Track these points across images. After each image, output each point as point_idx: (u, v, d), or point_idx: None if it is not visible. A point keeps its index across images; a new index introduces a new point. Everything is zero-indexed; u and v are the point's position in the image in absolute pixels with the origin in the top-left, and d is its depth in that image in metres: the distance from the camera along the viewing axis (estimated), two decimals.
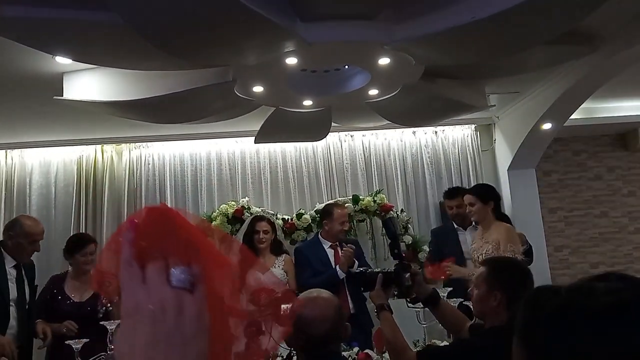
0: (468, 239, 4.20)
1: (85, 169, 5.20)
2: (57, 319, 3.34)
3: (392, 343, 2.20)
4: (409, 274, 2.28)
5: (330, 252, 4.12)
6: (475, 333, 2.18)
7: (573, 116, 4.98)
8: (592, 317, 0.68)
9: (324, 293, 1.91)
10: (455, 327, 2.43)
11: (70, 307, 3.41)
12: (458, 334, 2.40)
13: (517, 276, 2.06)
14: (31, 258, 3.74)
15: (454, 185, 5.37)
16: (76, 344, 2.69)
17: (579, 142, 6.28)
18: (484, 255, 3.94)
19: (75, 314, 3.36)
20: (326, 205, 4.61)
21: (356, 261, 4.00)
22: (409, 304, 2.53)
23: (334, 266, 4.02)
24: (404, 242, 2.46)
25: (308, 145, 5.46)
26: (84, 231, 4.88)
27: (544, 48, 3.24)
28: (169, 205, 0.65)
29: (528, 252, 4.05)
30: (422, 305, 2.47)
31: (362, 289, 2.68)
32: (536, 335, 0.70)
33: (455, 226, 4.37)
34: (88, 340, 2.73)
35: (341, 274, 3.95)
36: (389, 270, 2.33)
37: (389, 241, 2.54)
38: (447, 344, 2.90)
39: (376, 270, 2.38)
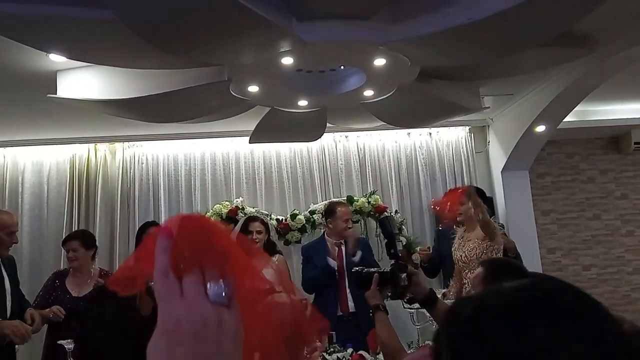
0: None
1: (79, 168, 5.16)
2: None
3: (387, 345, 2.17)
4: (405, 274, 2.24)
5: (334, 251, 4.15)
6: None
7: (566, 119, 5.01)
8: (494, 317, 0.63)
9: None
10: None
11: (68, 301, 3.47)
12: None
13: (511, 275, 2.04)
14: (11, 255, 3.71)
15: (448, 187, 5.40)
16: (68, 344, 2.67)
17: (572, 145, 6.31)
18: (465, 254, 3.98)
19: (73, 308, 3.43)
20: (329, 204, 4.67)
21: (359, 251, 4.05)
22: (406, 305, 2.50)
23: (336, 263, 4.07)
24: (401, 241, 2.41)
25: (302, 146, 5.45)
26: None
27: (539, 50, 3.25)
28: (197, 214, 0.63)
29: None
30: (418, 306, 2.43)
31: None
32: (456, 344, 0.66)
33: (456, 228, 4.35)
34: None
35: (333, 263, 4.03)
36: (384, 270, 2.29)
37: (385, 241, 2.50)
38: None
39: (372, 269, 2.33)
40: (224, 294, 0.54)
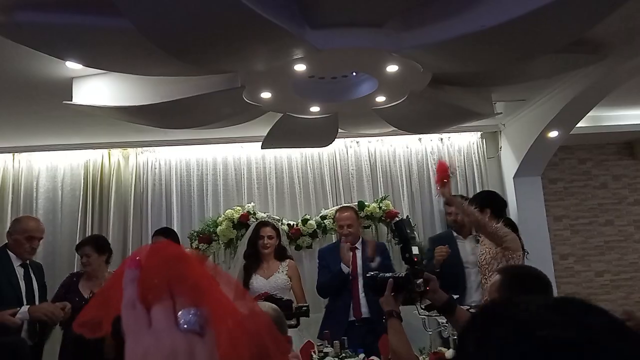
0: (467, 248, 4.19)
1: (92, 173, 5.22)
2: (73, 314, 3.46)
3: (397, 352, 2.11)
4: (421, 279, 2.16)
5: (348, 255, 4.13)
6: None
7: (579, 124, 4.98)
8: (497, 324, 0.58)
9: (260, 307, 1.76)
10: None
11: (78, 304, 3.53)
12: None
13: (531, 285, 1.90)
14: (39, 261, 3.82)
15: (459, 193, 5.38)
16: None
17: (585, 150, 6.27)
18: (480, 261, 3.97)
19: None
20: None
21: (378, 257, 4.05)
22: (422, 311, 2.44)
23: (349, 267, 4.06)
24: (417, 245, 2.27)
25: (314, 151, 5.47)
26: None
27: (552, 56, 3.25)
28: (171, 241, 0.61)
29: None
30: (437, 313, 2.34)
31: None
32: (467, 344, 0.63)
33: (455, 234, 4.35)
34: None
35: (345, 269, 4.01)
36: (399, 276, 2.22)
37: (400, 245, 2.42)
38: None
39: (387, 275, 2.26)
40: (196, 322, 0.51)
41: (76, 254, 4.04)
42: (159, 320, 0.51)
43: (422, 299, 2.21)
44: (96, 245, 3.81)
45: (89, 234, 4.86)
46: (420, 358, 2.98)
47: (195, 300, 0.52)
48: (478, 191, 5.26)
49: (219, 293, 0.55)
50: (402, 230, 2.44)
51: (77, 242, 4.14)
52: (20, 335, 1.62)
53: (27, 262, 3.63)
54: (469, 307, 3.17)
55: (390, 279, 2.19)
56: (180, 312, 0.52)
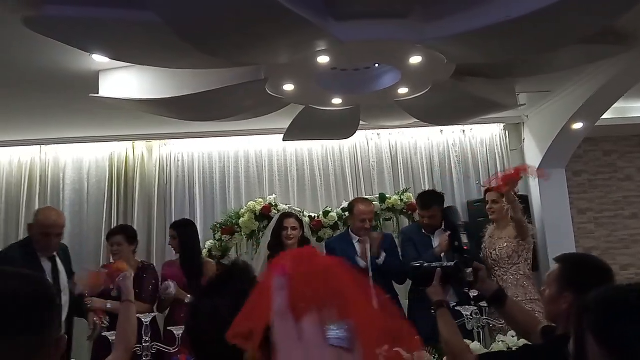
0: (435, 243, 4.08)
1: (117, 166, 5.31)
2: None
3: (449, 344, 1.99)
4: (471, 269, 2.05)
5: (358, 247, 4.12)
6: (548, 337, 1.96)
7: (604, 115, 4.91)
8: None
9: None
10: (525, 329, 2.16)
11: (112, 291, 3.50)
12: (529, 336, 2.14)
13: (593, 276, 1.76)
14: (64, 244, 3.84)
15: (482, 185, 5.37)
16: (112, 336, 2.76)
17: (610, 142, 6.18)
18: (497, 252, 3.96)
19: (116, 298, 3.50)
20: (352, 200, 4.56)
21: (383, 252, 4.01)
22: (472, 303, 2.34)
23: (366, 262, 4.01)
24: (465, 233, 2.17)
25: (335, 144, 5.48)
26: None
27: (577, 47, 3.20)
28: (314, 248, 0.58)
29: None
30: (485, 304, 2.24)
31: (418, 284, 2.44)
32: (615, 331, 0.66)
33: (423, 231, 4.19)
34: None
35: (362, 264, 3.88)
36: (448, 265, 2.11)
37: (448, 233, 2.32)
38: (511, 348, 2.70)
39: (434, 264, 2.14)
40: (345, 337, 0.50)
41: (104, 243, 4.08)
42: (310, 333, 0.50)
43: (471, 289, 2.13)
44: (127, 234, 3.88)
45: (115, 225, 4.95)
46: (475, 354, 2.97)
47: (344, 313, 0.51)
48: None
49: (366, 305, 0.54)
50: (449, 219, 2.37)
51: (108, 231, 4.17)
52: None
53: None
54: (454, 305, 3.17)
55: (439, 269, 2.09)
56: (330, 327, 0.51)
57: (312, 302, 0.51)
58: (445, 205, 4.12)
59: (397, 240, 4.44)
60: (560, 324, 1.83)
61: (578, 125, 4.89)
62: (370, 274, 3.92)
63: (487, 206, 4.20)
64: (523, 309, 2.25)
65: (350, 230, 4.30)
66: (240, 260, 3.89)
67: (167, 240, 5.12)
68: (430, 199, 4.18)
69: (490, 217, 4.19)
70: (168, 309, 3.98)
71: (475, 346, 2.96)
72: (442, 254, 3.91)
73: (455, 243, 2.27)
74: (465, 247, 2.20)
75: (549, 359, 1.69)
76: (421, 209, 4.21)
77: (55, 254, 3.55)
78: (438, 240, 3.98)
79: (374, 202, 5.12)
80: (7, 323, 0.84)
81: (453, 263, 2.09)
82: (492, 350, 2.79)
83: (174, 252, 4.13)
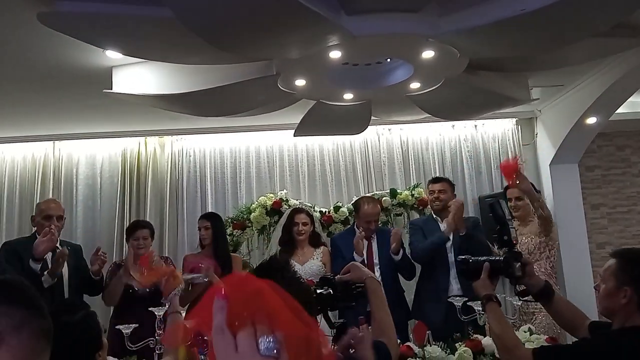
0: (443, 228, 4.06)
1: (130, 161, 5.34)
2: (124, 298, 3.62)
3: (501, 338, 1.97)
4: (519, 263, 2.02)
5: (362, 244, 4.07)
6: (598, 332, 1.95)
7: (618, 110, 4.86)
8: None
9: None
10: (572, 324, 2.14)
11: (135, 286, 3.60)
12: (575, 331, 2.12)
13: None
14: (79, 244, 3.87)
15: (493, 180, 5.36)
16: (126, 329, 2.78)
17: (624, 137, 6.13)
18: (519, 246, 3.95)
19: (137, 297, 3.57)
20: (358, 198, 4.52)
21: (401, 250, 4.00)
22: (520, 298, 2.31)
23: (365, 256, 3.98)
24: (514, 227, 2.14)
25: (345, 139, 5.48)
26: (127, 221, 5.01)
27: (592, 40, 3.16)
28: (248, 274, 0.72)
29: None
30: (532, 299, 2.19)
31: (466, 278, 2.32)
32: None
33: (435, 216, 4.20)
34: (137, 325, 2.81)
35: (358, 258, 3.81)
36: (497, 259, 2.09)
37: (497, 227, 2.18)
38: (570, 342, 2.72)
39: (481, 258, 2.12)
40: (273, 347, 0.60)
41: (117, 238, 4.07)
42: (244, 345, 0.60)
43: (518, 284, 2.06)
44: (151, 229, 3.90)
45: (128, 220, 4.99)
46: (456, 345, 2.98)
47: (272, 326, 0.61)
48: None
49: (290, 318, 0.64)
50: (498, 212, 2.26)
51: (131, 224, 4.10)
52: (89, 310, 1.65)
53: (57, 245, 3.52)
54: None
55: (487, 263, 2.08)
56: (260, 339, 0.60)
57: (246, 320, 0.61)
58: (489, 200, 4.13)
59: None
60: (617, 318, 1.83)
61: (592, 120, 4.84)
62: (378, 274, 3.91)
63: (511, 204, 4.17)
64: (570, 304, 2.21)
65: (355, 225, 4.29)
66: (279, 254, 3.91)
67: (180, 234, 5.21)
68: (441, 177, 4.39)
69: (514, 214, 4.17)
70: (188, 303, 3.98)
71: (487, 341, 2.95)
72: (451, 236, 3.94)
73: (505, 237, 2.15)
74: (514, 242, 2.15)
75: (617, 353, 1.71)
76: (432, 182, 4.24)
77: (59, 246, 3.53)
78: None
79: (384, 198, 5.11)
80: None
81: (502, 257, 2.07)
82: (546, 345, 2.74)
83: (203, 242, 4.13)
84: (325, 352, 0.74)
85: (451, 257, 3.95)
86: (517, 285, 2.11)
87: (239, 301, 0.62)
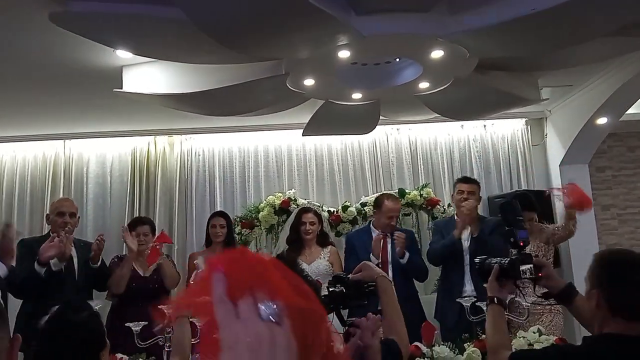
0: (465, 234, 4.02)
1: (139, 160, 5.38)
2: (126, 291, 3.67)
3: (489, 340, 2.00)
4: (530, 265, 1.98)
5: (378, 243, 4.05)
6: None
7: (629, 110, 4.82)
8: None
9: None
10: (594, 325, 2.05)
11: (137, 280, 3.72)
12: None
13: (615, 271, 1.65)
14: (91, 242, 3.92)
15: (503, 181, 5.34)
16: (135, 327, 2.80)
17: (635, 137, 6.08)
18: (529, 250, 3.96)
19: (143, 286, 3.70)
20: (380, 195, 4.52)
21: (407, 253, 3.98)
22: (529, 299, 2.20)
23: (379, 260, 3.96)
24: (525, 228, 2.06)
25: (354, 139, 5.48)
26: None
27: (602, 40, 3.14)
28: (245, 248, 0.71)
29: None
30: (554, 302, 2.14)
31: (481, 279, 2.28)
32: None
33: (457, 218, 4.10)
34: (146, 323, 2.83)
35: (374, 261, 3.80)
36: (504, 262, 2.06)
37: (507, 229, 2.12)
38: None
39: (494, 260, 2.10)
40: (274, 313, 0.61)
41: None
42: (245, 312, 0.61)
43: (536, 286, 2.01)
44: (152, 225, 3.97)
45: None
46: (465, 346, 2.97)
47: (271, 294, 0.62)
48: (523, 180, 5.19)
49: (291, 289, 0.65)
50: (508, 213, 2.19)
51: (133, 219, 4.21)
52: (92, 310, 1.66)
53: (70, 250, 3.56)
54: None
55: (496, 265, 2.06)
56: (260, 305, 0.61)
57: (246, 288, 0.62)
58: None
59: (416, 236, 4.43)
60: (595, 324, 1.72)
61: (602, 120, 4.81)
62: (391, 273, 3.89)
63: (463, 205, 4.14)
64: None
65: (371, 224, 4.28)
66: (285, 253, 3.93)
67: (189, 232, 5.24)
68: (472, 178, 4.26)
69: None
70: None
71: None
72: (463, 237, 3.92)
73: (511, 239, 2.10)
74: (521, 244, 2.07)
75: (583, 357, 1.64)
76: (462, 182, 4.11)
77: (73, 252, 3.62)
78: (468, 231, 3.94)
79: None
80: None
81: (507, 260, 2.03)
82: (523, 349, 2.74)
83: (215, 239, 4.18)
84: (328, 328, 0.75)
85: (467, 258, 3.92)
86: (536, 288, 2.05)
87: (238, 271, 0.63)
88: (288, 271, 0.67)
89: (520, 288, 2.12)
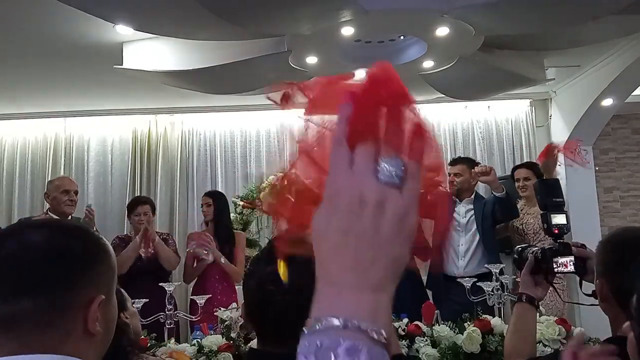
0: (462, 211, 4.06)
1: (140, 139, 5.36)
2: (128, 273, 3.60)
3: (505, 341, 1.75)
4: (569, 257, 1.64)
5: None
6: None
7: (634, 92, 4.77)
8: None
9: None
10: None
11: (138, 261, 3.68)
12: None
13: (615, 252, 1.41)
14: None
15: (506, 162, 5.31)
16: (137, 304, 2.80)
17: (639, 120, 6.02)
18: (522, 226, 3.96)
19: (143, 265, 3.67)
20: None
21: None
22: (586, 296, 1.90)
23: None
24: (565, 213, 1.67)
25: None
26: None
27: (610, 18, 3.09)
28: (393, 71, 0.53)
29: None
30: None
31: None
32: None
33: (454, 197, 4.09)
34: (147, 300, 2.83)
35: None
36: (538, 252, 1.72)
37: (541, 212, 1.80)
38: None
39: (533, 250, 1.74)
40: (395, 173, 0.48)
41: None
42: (359, 162, 0.49)
43: (582, 281, 1.67)
44: (152, 205, 3.95)
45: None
46: (465, 325, 2.97)
47: (405, 149, 0.50)
48: (526, 161, 5.14)
49: (435, 147, 0.53)
50: (542, 195, 1.84)
51: (130, 202, 4.19)
52: None
53: (70, 219, 3.60)
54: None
55: (531, 257, 1.71)
56: (382, 159, 0.49)
57: (369, 133, 0.49)
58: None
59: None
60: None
61: (607, 102, 4.76)
62: None
63: (519, 184, 4.15)
64: None
65: None
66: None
67: (190, 211, 5.24)
68: (459, 158, 4.29)
69: (521, 194, 4.16)
70: (195, 280, 4.02)
71: (496, 322, 2.94)
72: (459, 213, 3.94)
73: (544, 225, 1.77)
74: (556, 231, 1.71)
75: None
76: (449, 164, 4.16)
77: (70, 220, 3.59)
78: (464, 208, 4.00)
79: None
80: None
81: (540, 250, 1.71)
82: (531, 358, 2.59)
83: (205, 219, 4.16)
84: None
85: (462, 237, 3.96)
86: (582, 284, 1.68)
87: (368, 108, 0.50)
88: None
89: (555, 285, 1.76)
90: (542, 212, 1.80)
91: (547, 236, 1.77)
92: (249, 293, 1.20)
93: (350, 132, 0.49)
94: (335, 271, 0.48)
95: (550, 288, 1.75)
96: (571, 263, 1.65)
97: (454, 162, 4.25)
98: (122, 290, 1.78)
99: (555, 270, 1.66)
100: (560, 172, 5.24)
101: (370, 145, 0.49)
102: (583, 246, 1.69)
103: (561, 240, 1.71)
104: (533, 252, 1.72)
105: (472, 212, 4.00)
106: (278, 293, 1.10)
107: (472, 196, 4.07)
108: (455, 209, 4.01)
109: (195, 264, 3.93)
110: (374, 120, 0.50)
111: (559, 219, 1.76)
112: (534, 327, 1.71)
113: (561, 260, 1.66)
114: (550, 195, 1.82)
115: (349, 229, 0.48)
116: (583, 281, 1.67)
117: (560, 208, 1.77)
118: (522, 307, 1.68)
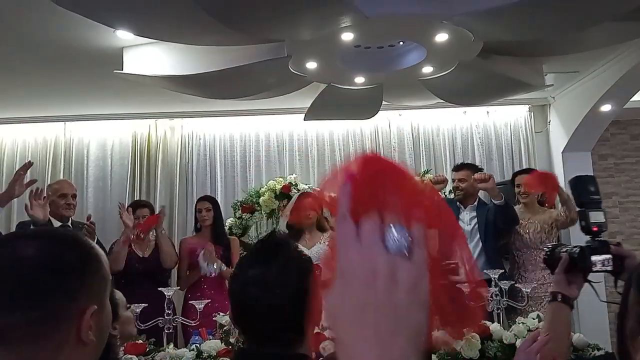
0: (466, 218, 4.10)
1: (140, 143, 5.36)
2: (126, 273, 3.68)
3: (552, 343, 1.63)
4: (607, 256, 1.58)
5: None
6: None
7: (633, 98, 4.78)
8: None
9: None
10: None
11: (137, 261, 3.76)
12: None
13: None
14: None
15: (505, 167, 5.32)
16: (135, 308, 2.80)
17: (638, 126, 6.04)
18: (529, 234, 3.97)
19: (142, 267, 3.75)
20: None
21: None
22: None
23: None
24: (603, 210, 1.64)
25: (356, 124, 5.45)
26: None
27: (610, 24, 3.10)
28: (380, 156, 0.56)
29: None
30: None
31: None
32: None
33: (458, 204, 4.21)
34: (147, 305, 2.83)
35: None
36: (573, 250, 1.66)
37: (578, 209, 1.73)
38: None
39: (565, 249, 1.69)
40: (402, 242, 0.49)
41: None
42: (366, 235, 0.49)
43: (618, 279, 1.60)
44: (151, 209, 4.01)
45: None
46: (464, 330, 2.96)
47: (409, 218, 0.50)
48: (525, 166, 5.15)
49: (438, 212, 0.53)
50: (578, 192, 1.76)
51: (132, 202, 4.22)
52: None
53: (69, 223, 3.64)
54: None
55: (565, 255, 1.65)
56: (388, 230, 0.49)
57: (372, 207, 0.50)
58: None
59: None
60: None
61: (606, 108, 4.78)
62: None
63: (520, 190, 4.16)
64: None
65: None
66: (280, 232, 3.93)
67: (189, 215, 5.22)
68: (463, 164, 4.37)
69: (522, 200, 4.18)
70: (189, 285, 4.02)
71: (495, 327, 2.94)
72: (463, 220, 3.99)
73: (582, 222, 1.69)
74: (594, 229, 1.65)
75: None
76: (454, 170, 4.31)
77: (69, 224, 3.64)
78: (468, 215, 4.03)
79: None
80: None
81: (578, 248, 1.64)
82: None
83: (202, 224, 4.15)
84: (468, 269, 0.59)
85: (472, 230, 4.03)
86: (617, 284, 1.59)
87: (367, 184, 0.51)
88: (432, 190, 0.54)
89: (593, 284, 1.69)
90: (579, 209, 1.73)
91: (582, 233, 1.67)
92: (234, 296, 1.26)
93: (353, 207, 0.51)
94: (358, 347, 0.48)
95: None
96: (609, 261, 1.60)
97: (458, 167, 4.29)
98: (117, 296, 1.78)
99: (594, 269, 1.61)
100: (560, 177, 5.26)
101: (374, 217, 0.50)
102: (619, 244, 1.65)
103: (599, 239, 1.65)
104: (567, 250, 1.66)
105: (476, 219, 4.03)
106: (261, 294, 1.17)
107: (476, 202, 4.10)
108: (460, 216, 4.04)
109: (188, 273, 3.97)
110: (374, 193, 0.51)
111: (597, 216, 1.70)
112: (569, 327, 1.67)
113: (599, 258, 1.60)
114: (587, 192, 1.74)
115: (365, 303, 0.48)
116: (618, 280, 1.59)
117: (598, 205, 1.71)
118: (556, 307, 1.62)
